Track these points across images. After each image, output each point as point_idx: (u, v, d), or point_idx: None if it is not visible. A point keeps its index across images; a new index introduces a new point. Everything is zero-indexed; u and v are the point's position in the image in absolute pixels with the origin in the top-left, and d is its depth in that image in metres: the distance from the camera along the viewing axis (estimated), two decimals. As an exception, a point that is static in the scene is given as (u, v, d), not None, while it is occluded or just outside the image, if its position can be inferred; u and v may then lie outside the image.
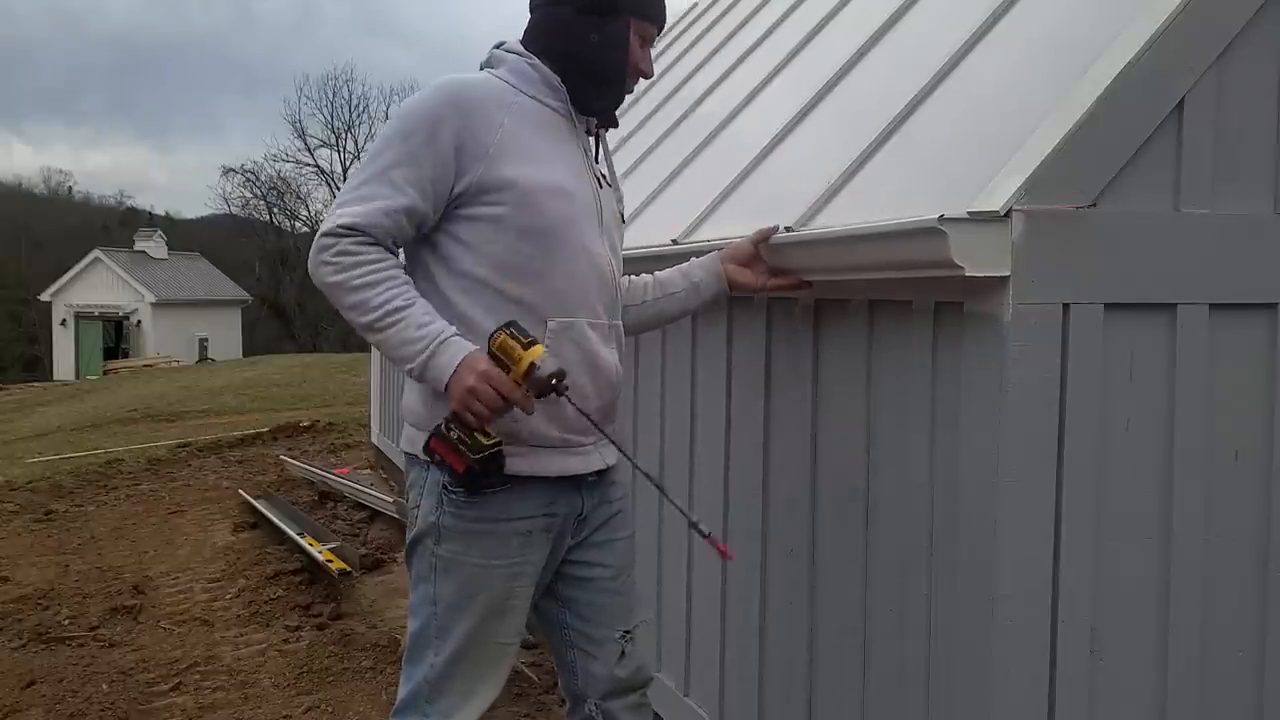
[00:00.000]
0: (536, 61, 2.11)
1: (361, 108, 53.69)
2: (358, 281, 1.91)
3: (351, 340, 35.11)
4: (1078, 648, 2.00)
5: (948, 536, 2.08)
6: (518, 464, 1.97)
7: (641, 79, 2.23)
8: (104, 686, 4.13)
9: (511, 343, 1.86)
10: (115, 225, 50.04)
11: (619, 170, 4.49)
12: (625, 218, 2.35)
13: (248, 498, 7.22)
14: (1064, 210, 1.91)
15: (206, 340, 37.81)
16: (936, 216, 1.83)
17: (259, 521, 6.72)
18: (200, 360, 33.95)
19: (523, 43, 2.16)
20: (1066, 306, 1.94)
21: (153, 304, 37.04)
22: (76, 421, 13.72)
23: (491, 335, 1.89)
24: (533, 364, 1.84)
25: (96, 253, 38.42)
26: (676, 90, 5.01)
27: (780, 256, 2.45)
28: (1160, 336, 2.06)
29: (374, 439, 9.12)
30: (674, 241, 3.07)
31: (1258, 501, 2.19)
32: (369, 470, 8.72)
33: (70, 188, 61.72)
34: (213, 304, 39.86)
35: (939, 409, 2.10)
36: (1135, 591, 2.07)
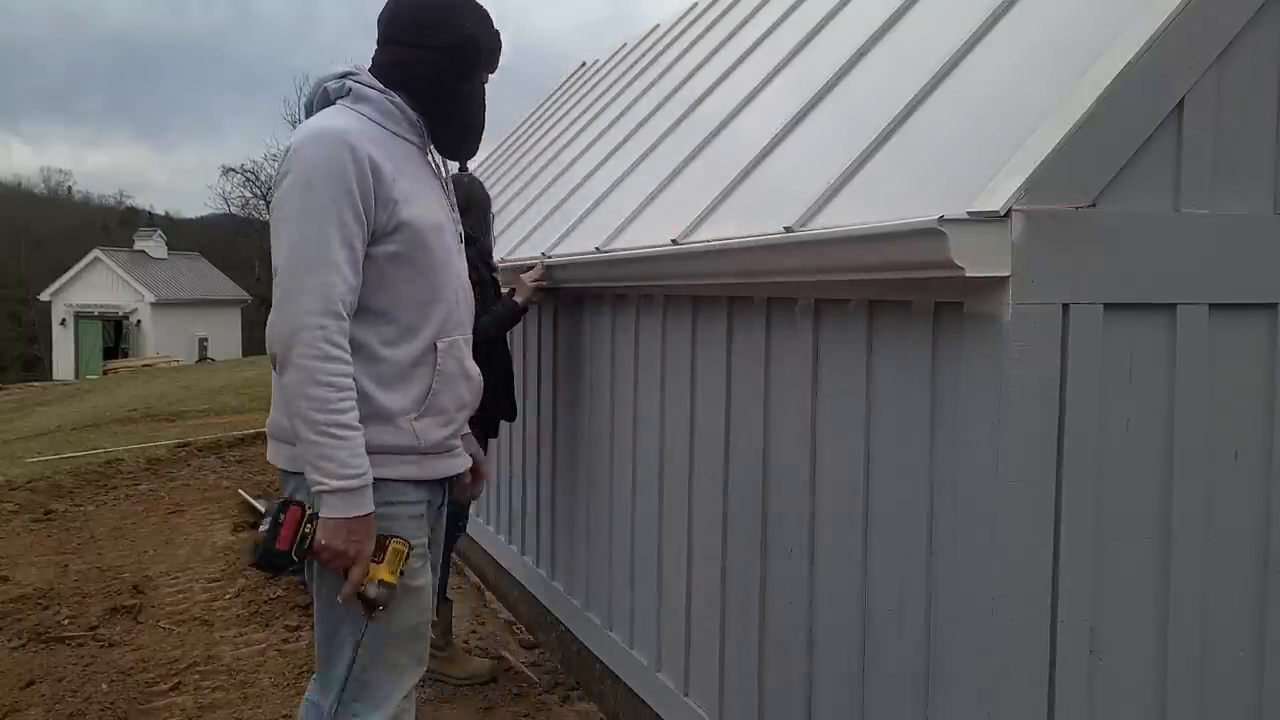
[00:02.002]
0: (399, 100, 2.21)
1: (361, 107, 53.49)
2: (334, 376, 2.00)
3: (351, 340, 35.04)
4: (1078, 648, 2.00)
5: (948, 536, 2.08)
6: (407, 470, 2.15)
7: None
8: (103, 686, 4.13)
9: (399, 553, 2.08)
10: (115, 225, 50.05)
11: (619, 170, 4.51)
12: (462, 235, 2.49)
13: (247, 497, 7.22)
14: (1064, 210, 1.91)
15: (206, 340, 37.81)
16: (936, 217, 1.83)
17: (259, 521, 6.72)
18: (200, 360, 33.95)
19: (379, 75, 2.22)
20: (1066, 306, 1.94)
21: (152, 304, 37.04)
22: (76, 421, 13.72)
23: (396, 537, 2.09)
24: (384, 581, 2.06)
25: (96, 252, 38.42)
26: (676, 90, 5.01)
27: (780, 256, 2.45)
28: (1160, 336, 2.06)
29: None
30: (674, 241, 3.07)
31: (1258, 501, 2.19)
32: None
33: (70, 188, 61.76)
34: (212, 304, 39.85)
35: (939, 409, 2.10)
36: (1135, 591, 2.07)
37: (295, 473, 2.13)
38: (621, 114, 5.60)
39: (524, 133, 8.28)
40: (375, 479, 2.04)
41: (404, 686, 2.23)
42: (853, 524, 2.37)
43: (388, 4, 2.29)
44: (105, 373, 29.87)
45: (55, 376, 34.62)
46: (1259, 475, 2.19)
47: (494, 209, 6.29)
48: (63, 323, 38.03)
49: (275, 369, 2.04)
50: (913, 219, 1.91)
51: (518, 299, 3.92)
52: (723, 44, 5.08)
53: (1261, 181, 2.14)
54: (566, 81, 8.82)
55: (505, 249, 5.04)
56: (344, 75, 2.21)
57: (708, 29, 5.73)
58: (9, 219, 47.60)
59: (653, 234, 3.35)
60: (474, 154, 2.43)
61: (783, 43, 4.10)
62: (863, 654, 2.35)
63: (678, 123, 4.41)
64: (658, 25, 7.38)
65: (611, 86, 6.71)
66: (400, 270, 2.12)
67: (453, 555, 4.24)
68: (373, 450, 2.05)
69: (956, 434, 2.04)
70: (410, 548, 2.12)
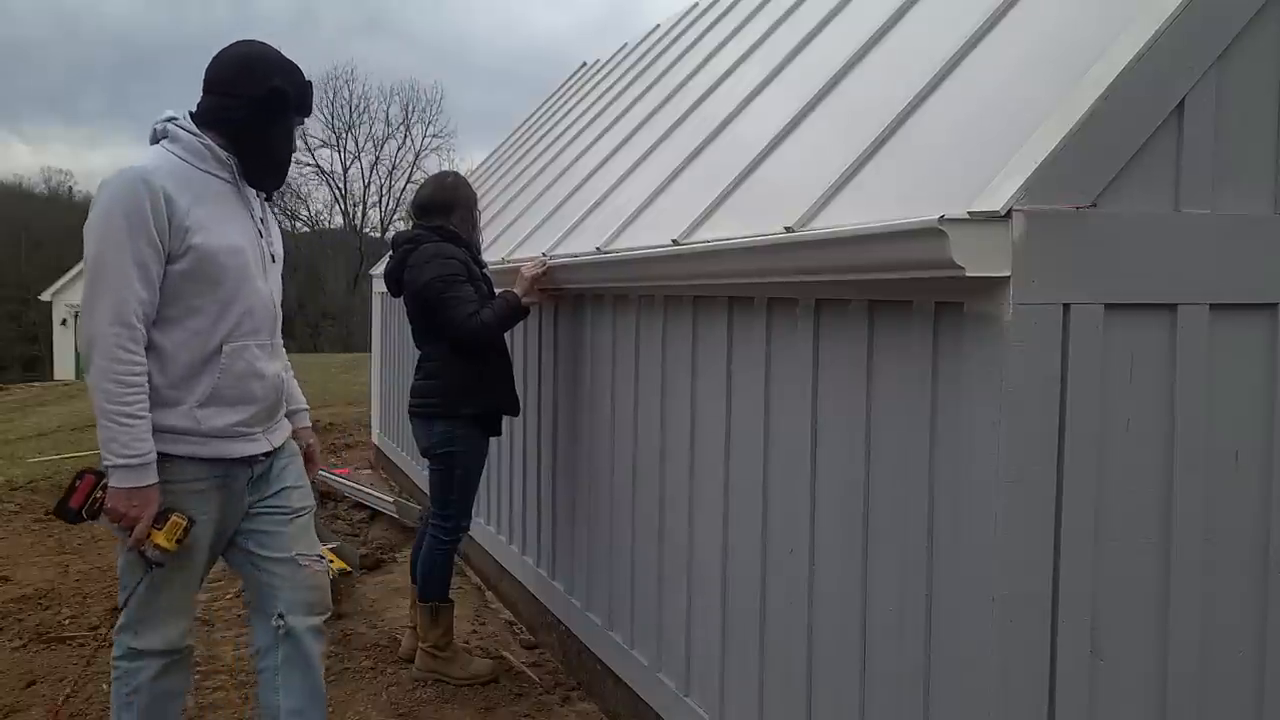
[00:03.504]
0: (209, 141, 2.63)
1: (362, 108, 53.66)
2: (122, 374, 2.44)
3: (352, 340, 35.12)
4: (1078, 648, 2.00)
5: (948, 536, 2.08)
6: (190, 449, 2.57)
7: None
8: (104, 686, 4.12)
9: (177, 525, 2.52)
10: (115, 225, 49.92)
11: (619, 170, 4.51)
12: (283, 256, 2.92)
13: (248, 498, 7.21)
14: (1064, 210, 1.91)
15: (206, 340, 37.77)
16: (937, 217, 1.83)
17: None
18: (200, 360, 33.89)
19: (197, 120, 2.65)
20: (1066, 306, 1.94)
21: (153, 304, 36.99)
22: (77, 421, 13.72)
23: (177, 509, 2.54)
24: (160, 545, 2.52)
25: (97, 253, 38.37)
26: (677, 91, 5.02)
27: (781, 257, 2.45)
28: (1160, 336, 2.06)
29: (375, 439, 9.13)
30: (674, 241, 3.07)
31: (1258, 501, 2.19)
32: (369, 470, 8.72)
33: (70, 188, 61.58)
34: (213, 304, 39.74)
35: (939, 409, 2.10)
36: (1135, 591, 2.08)
37: None
38: (622, 114, 5.61)
39: (524, 133, 8.29)
40: (162, 455, 2.50)
41: (175, 627, 2.69)
42: (853, 523, 2.37)
43: (212, 58, 2.71)
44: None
45: (56, 376, 34.61)
46: (1259, 475, 2.19)
47: (494, 209, 6.31)
48: (63, 323, 38.00)
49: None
50: (913, 219, 1.91)
51: (516, 290, 3.93)
52: (723, 44, 5.08)
53: (1261, 181, 2.14)
54: (567, 82, 8.82)
55: (506, 249, 5.04)
56: (168, 120, 2.64)
57: (708, 29, 5.74)
58: (9, 219, 47.58)
59: (653, 234, 3.36)
60: (278, 186, 2.84)
61: (783, 43, 4.10)
62: (863, 654, 2.35)
63: (678, 123, 4.41)
64: (658, 25, 7.39)
65: (612, 87, 6.71)
66: (191, 286, 2.54)
67: (453, 555, 4.23)
68: (162, 430, 2.51)
69: (957, 434, 2.04)
70: (192, 522, 2.55)
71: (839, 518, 2.43)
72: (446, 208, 4.09)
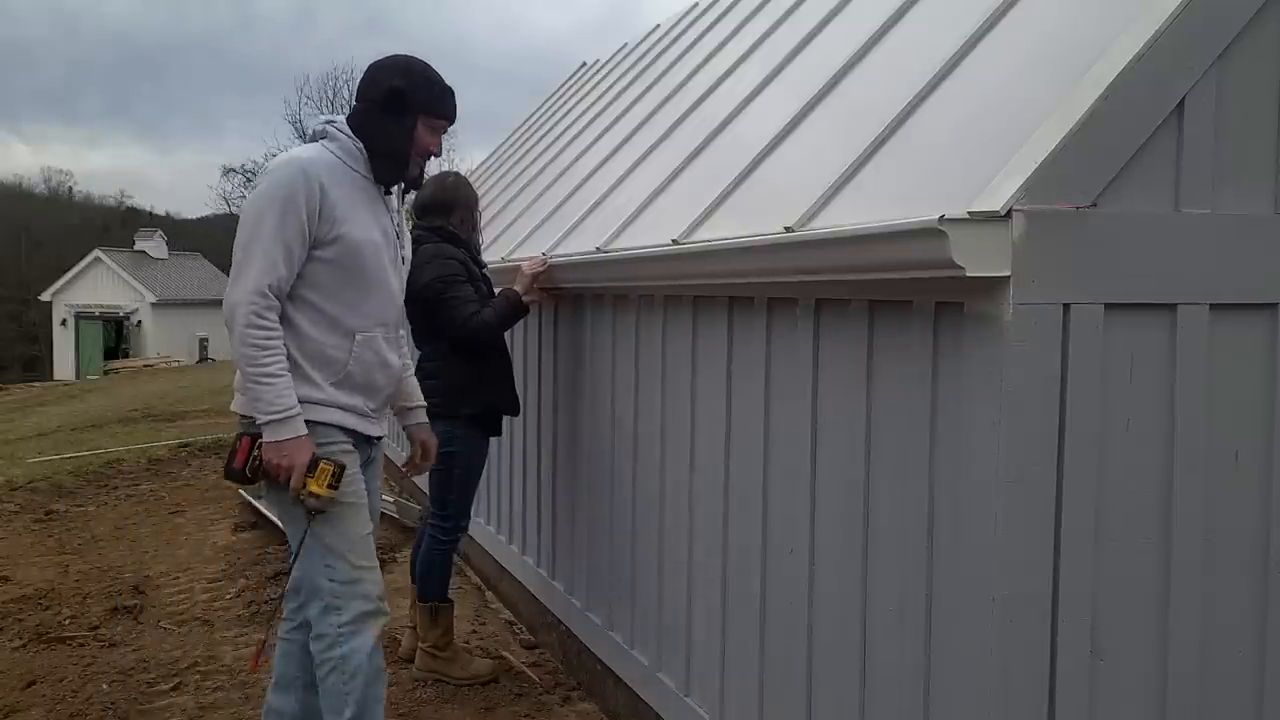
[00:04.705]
0: (360, 144, 2.87)
1: (362, 107, 53.50)
2: (261, 339, 2.65)
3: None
4: (1078, 648, 2.00)
5: (948, 536, 2.08)
6: (331, 415, 2.79)
7: (432, 156, 3.03)
8: (104, 686, 4.13)
9: (326, 471, 2.69)
10: (116, 225, 50.02)
11: (619, 170, 4.51)
12: (408, 258, 3.13)
13: (248, 497, 7.21)
14: (1064, 210, 1.91)
15: (207, 340, 37.83)
16: (937, 217, 1.83)
17: (259, 521, 6.72)
18: (201, 360, 33.97)
19: (350, 124, 2.90)
20: (1067, 306, 1.94)
21: (153, 304, 37.06)
22: (77, 421, 13.73)
23: (326, 456, 2.72)
24: (312, 492, 2.70)
25: (97, 253, 38.44)
26: (677, 91, 5.01)
27: (780, 256, 2.45)
28: (1160, 336, 2.06)
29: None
30: (675, 241, 3.07)
31: (1258, 501, 2.19)
32: (369, 470, 8.71)
33: (70, 188, 61.62)
34: (213, 304, 39.74)
35: (939, 409, 2.10)
36: (1135, 591, 2.07)
37: (245, 416, 2.78)
38: (622, 114, 5.61)
39: (525, 133, 8.29)
40: (310, 421, 2.70)
41: (369, 583, 2.81)
42: (853, 523, 2.37)
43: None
44: (106, 373, 29.86)
45: (56, 377, 34.62)
46: (1259, 475, 2.19)
47: (494, 209, 6.30)
48: (63, 323, 38.04)
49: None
50: (913, 219, 1.91)
51: (517, 288, 3.92)
52: (723, 44, 5.08)
53: (1261, 181, 2.14)
54: (567, 82, 8.82)
55: (506, 249, 5.04)
56: (327, 122, 2.91)
57: (708, 29, 5.74)
58: (9, 219, 47.58)
59: (653, 234, 3.36)
60: (395, 181, 2.97)
61: (783, 43, 4.10)
62: (863, 654, 2.35)
63: (678, 123, 4.41)
64: (658, 25, 7.38)
65: (612, 87, 6.71)
66: (333, 274, 2.76)
67: (452, 555, 4.23)
68: (304, 401, 2.70)
69: (957, 433, 2.04)
70: (340, 467, 2.71)
71: (839, 518, 2.43)
72: (447, 208, 4.09)
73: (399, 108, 2.86)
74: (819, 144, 2.95)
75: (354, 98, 2.99)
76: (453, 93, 2.99)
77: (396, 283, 2.95)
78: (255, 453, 2.72)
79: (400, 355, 3.05)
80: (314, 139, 2.91)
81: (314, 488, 2.68)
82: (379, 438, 3.00)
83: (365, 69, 2.97)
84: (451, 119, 3.00)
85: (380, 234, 2.87)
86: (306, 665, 2.97)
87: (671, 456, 3.30)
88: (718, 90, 4.38)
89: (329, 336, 2.77)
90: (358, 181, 2.85)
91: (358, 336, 2.81)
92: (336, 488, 2.71)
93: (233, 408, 2.88)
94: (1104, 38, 2.06)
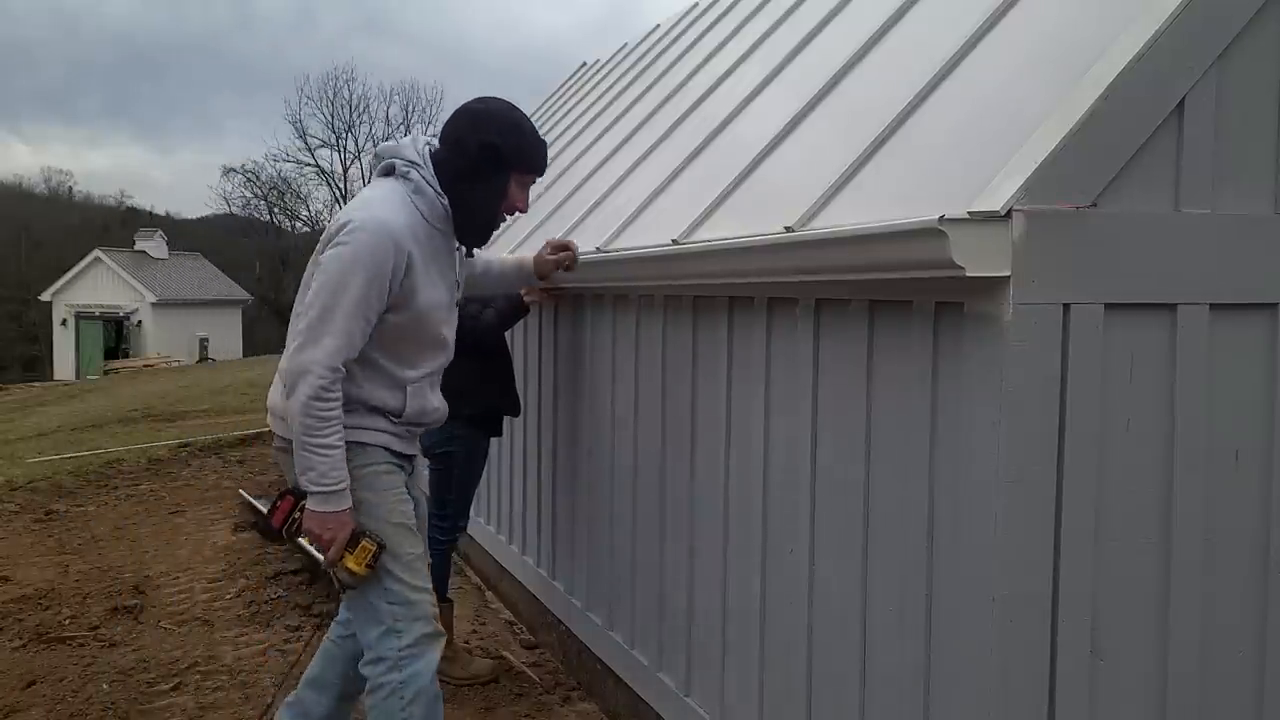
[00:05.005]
0: (446, 201, 2.76)
1: (362, 108, 53.66)
2: (324, 411, 2.59)
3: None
4: (1078, 648, 2.00)
5: (948, 536, 2.08)
6: (382, 439, 2.79)
7: (518, 210, 2.92)
8: (104, 686, 4.13)
9: (366, 551, 2.65)
10: (116, 225, 50.01)
11: (619, 170, 4.51)
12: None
13: (248, 497, 7.21)
14: (1065, 210, 1.91)
15: (207, 340, 37.82)
16: (937, 217, 1.83)
17: (258, 519, 6.72)
18: (201, 360, 33.96)
19: (438, 174, 2.76)
20: (1067, 306, 1.94)
21: (153, 304, 37.04)
22: (77, 421, 13.72)
23: (368, 533, 2.68)
24: (349, 569, 2.66)
25: (97, 253, 38.42)
26: (677, 91, 5.01)
27: (780, 256, 2.45)
28: (1160, 336, 2.06)
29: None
30: (674, 241, 3.07)
31: (1258, 501, 2.19)
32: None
33: (70, 188, 61.57)
34: (213, 304, 39.87)
35: (939, 409, 2.10)
36: (1135, 591, 2.07)
37: (285, 439, 2.74)
38: (622, 114, 5.60)
39: (524, 133, 8.27)
40: (353, 443, 2.67)
41: (427, 604, 2.76)
42: (853, 523, 2.37)
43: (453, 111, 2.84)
44: (106, 373, 29.86)
45: (56, 377, 34.62)
46: (1259, 475, 2.19)
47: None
48: (63, 323, 38.02)
49: (284, 385, 2.65)
50: (913, 219, 1.91)
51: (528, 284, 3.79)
52: (723, 44, 5.08)
53: (1261, 181, 2.14)
54: (567, 82, 8.82)
55: (505, 249, 5.04)
56: (410, 163, 2.74)
57: (708, 29, 5.73)
58: (9, 219, 47.58)
59: (653, 234, 3.36)
60: (479, 245, 2.94)
61: (783, 43, 4.10)
62: (863, 654, 2.35)
63: (678, 123, 4.41)
64: (658, 25, 7.38)
65: (612, 87, 6.71)
66: (400, 333, 2.72)
67: (453, 555, 4.23)
68: (350, 427, 2.67)
69: (957, 433, 2.04)
70: (381, 547, 2.67)
71: (839, 518, 2.43)
72: None
73: (493, 165, 2.75)
74: (819, 144, 2.95)
75: (438, 136, 2.83)
76: (546, 146, 2.89)
77: (451, 334, 2.92)
78: (296, 515, 2.70)
79: (440, 397, 3.00)
80: (389, 173, 2.78)
81: (351, 564, 2.65)
82: (414, 455, 3.01)
83: (457, 109, 2.82)
84: (543, 173, 2.91)
85: (446, 292, 2.84)
86: (349, 677, 2.97)
87: (671, 456, 3.30)
88: (718, 90, 4.38)
89: (382, 388, 2.75)
90: (435, 239, 2.77)
91: (409, 388, 2.80)
92: (373, 568, 2.67)
93: (272, 427, 2.87)
94: (1104, 38, 2.06)
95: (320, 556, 2.70)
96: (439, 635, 2.79)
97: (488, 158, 2.73)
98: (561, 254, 3.45)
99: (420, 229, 2.70)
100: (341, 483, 2.61)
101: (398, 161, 2.76)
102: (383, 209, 2.65)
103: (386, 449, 2.79)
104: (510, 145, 2.75)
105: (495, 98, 2.87)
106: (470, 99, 2.88)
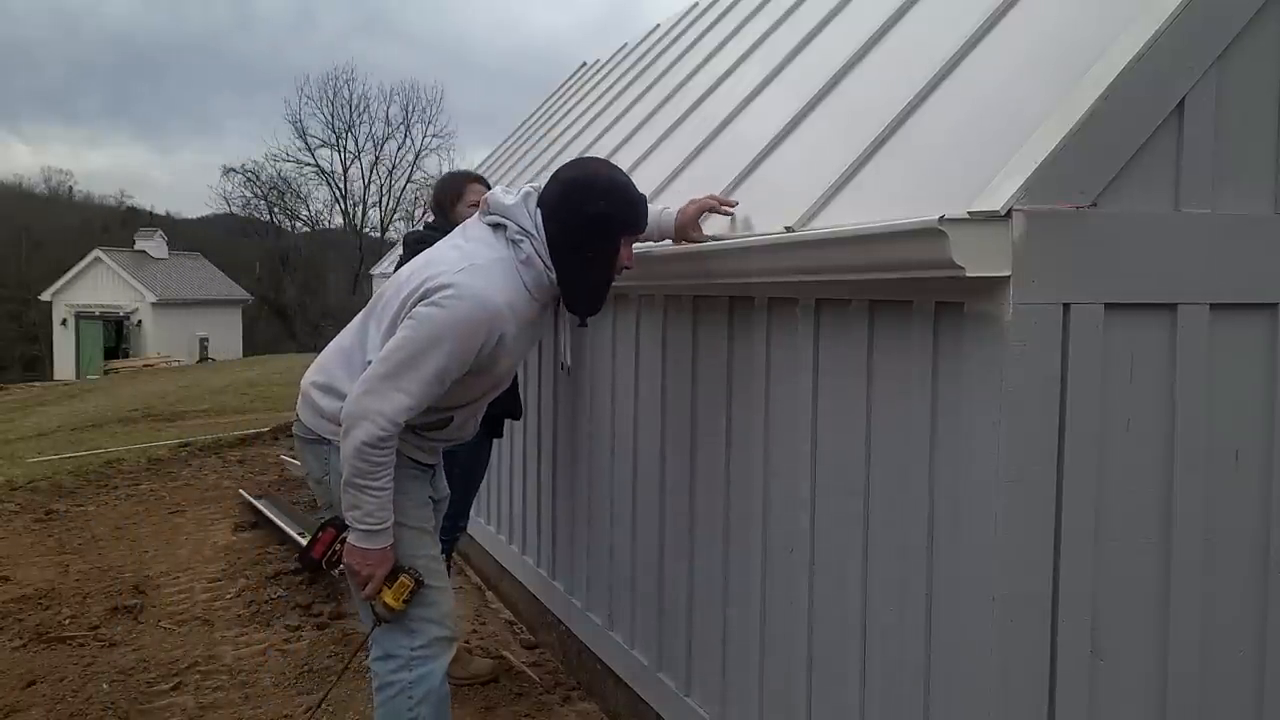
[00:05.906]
0: (553, 277, 2.66)
1: (362, 108, 53.77)
2: (379, 458, 2.55)
3: (352, 340, 34.98)
4: (1078, 648, 2.00)
5: (948, 536, 2.08)
6: (416, 454, 2.81)
7: (625, 269, 2.76)
8: (104, 686, 4.13)
9: (404, 586, 2.67)
10: (116, 225, 49.98)
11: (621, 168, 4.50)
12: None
13: (248, 497, 7.22)
14: (1064, 210, 1.91)
15: (207, 340, 37.81)
16: (937, 217, 1.83)
17: (259, 521, 6.72)
18: (201, 360, 33.95)
19: (550, 244, 2.65)
20: (1067, 306, 1.94)
21: (153, 304, 37.04)
22: (77, 421, 13.72)
23: (407, 569, 2.69)
24: (387, 603, 2.67)
25: (97, 252, 38.42)
26: (677, 90, 5.01)
27: (780, 256, 2.45)
28: (1160, 336, 2.06)
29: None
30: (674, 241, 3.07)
31: (1258, 501, 2.19)
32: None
33: (70, 188, 61.51)
34: (213, 304, 39.85)
35: (939, 409, 2.10)
36: (1135, 591, 2.08)
37: (312, 434, 2.80)
38: (622, 114, 5.60)
39: (525, 133, 8.28)
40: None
41: (444, 605, 2.79)
42: (853, 523, 2.37)
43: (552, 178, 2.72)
44: (106, 373, 29.85)
45: (56, 376, 34.59)
46: (1259, 475, 2.19)
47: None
48: (63, 323, 38.02)
49: (341, 425, 2.59)
50: (913, 219, 1.91)
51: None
52: (723, 44, 5.08)
53: (1261, 181, 2.14)
54: (567, 82, 8.81)
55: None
56: (525, 232, 2.64)
57: (708, 29, 5.73)
58: (9, 219, 47.55)
59: (653, 234, 3.35)
60: (591, 314, 2.79)
61: (783, 43, 4.09)
62: (863, 654, 2.35)
63: (678, 123, 4.41)
64: (658, 25, 7.38)
65: (612, 87, 6.71)
66: (464, 384, 2.65)
67: (453, 555, 4.23)
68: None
69: (957, 433, 2.04)
70: (419, 584, 2.69)
71: (839, 518, 2.43)
72: (446, 208, 4.09)
73: (604, 235, 2.65)
74: (819, 144, 2.95)
75: (541, 202, 2.67)
76: (646, 200, 2.78)
77: (512, 373, 2.93)
78: (336, 547, 2.72)
79: (480, 414, 3.00)
80: (499, 229, 2.67)
81: (389, 599, 2.66)
82: (437, 464, 3.03)
83: (558, 173, 2.71)
84: (645, 227, 2.79)
85: (527, 349, 2.85)
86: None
87: (671, 456, 3.30)
88: (718, 90, 4.38)
89: (427, 414, 2.70)
90: (534, 309, 2.70)
91: (455, 418, 2.81)
92: (409, 602, 2.68)
93: (299, 412, 2.85)
94: (1104, 38, 2.06)
95: (356, 590, 2.73)
96: (453, 639, 2.80)
97: (599, 229, 2.64)
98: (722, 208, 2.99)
99: (521, 303, 2.63)
100: (386, 522, 2.62)
101: (510, 224, 2.66)
102: (487, 281, 2.55)
103: (413, 459, 2.80)
104: (618, 211, 2.65)
105: (592, 159, 2.81)
106: (566, 165, 2.78)
